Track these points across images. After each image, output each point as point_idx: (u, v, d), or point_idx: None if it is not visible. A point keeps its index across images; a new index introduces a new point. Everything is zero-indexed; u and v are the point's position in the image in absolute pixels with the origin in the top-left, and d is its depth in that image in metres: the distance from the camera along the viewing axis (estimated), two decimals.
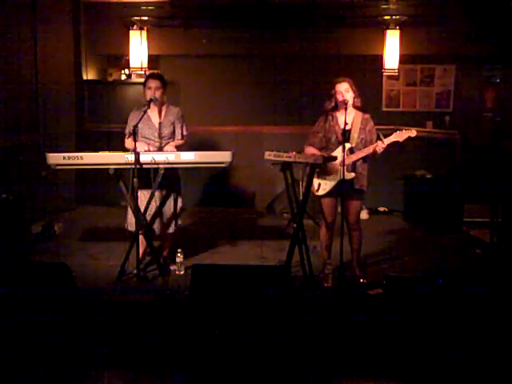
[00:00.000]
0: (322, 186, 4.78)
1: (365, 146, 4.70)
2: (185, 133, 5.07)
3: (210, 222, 7.02)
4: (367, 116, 4.80)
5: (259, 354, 3.59)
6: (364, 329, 3.82)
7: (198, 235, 6.29)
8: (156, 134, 4.92)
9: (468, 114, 7.69)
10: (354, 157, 4.68)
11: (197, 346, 3.65)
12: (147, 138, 4.90)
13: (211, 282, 3.80)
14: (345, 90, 4.66)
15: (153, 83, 4.87)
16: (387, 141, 4.63)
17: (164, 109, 5.00)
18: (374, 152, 4.64)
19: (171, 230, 5.09)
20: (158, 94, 4.85)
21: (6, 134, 5.91)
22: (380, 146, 4.61)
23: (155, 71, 5.23)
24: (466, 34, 7.14)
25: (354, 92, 4.69)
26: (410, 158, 7.29)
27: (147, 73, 7.42)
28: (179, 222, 5.14)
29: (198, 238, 6.18)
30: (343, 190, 4.58)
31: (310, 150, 4.77)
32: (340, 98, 4.67)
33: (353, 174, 4.67)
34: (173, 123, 5.00)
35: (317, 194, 4.82)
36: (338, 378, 3.58)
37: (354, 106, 4.72)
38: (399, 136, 4.65)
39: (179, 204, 5.08)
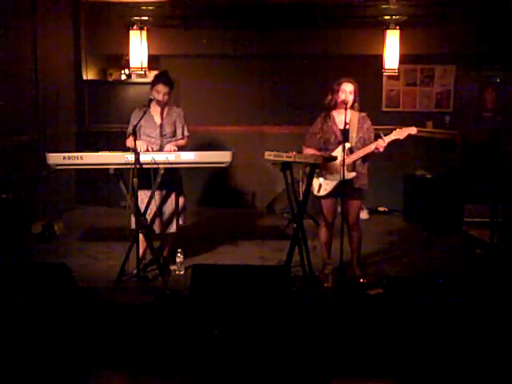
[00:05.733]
0: (324, 186, 4.78)
1: (363, 145, 4.70)
2: (186, 133, 5.08)
3: (210, 222, 7.03)
4: (364, 114, 4.80)
5: (259, 353, 3.59)
6: (364, 329, 3.82)
7: (198, 235, 6.29)
8: (157, 132, 4.94)
9: (468, 114, 7.68)
10: (355, 156, 4.67)
11: (197, 346, 3.65)
12: (149, 137, 4.92)
13: (211, 282, 3.80)
14: (349, 92, 4.67)
15: (162, 88, 4.88)
16: (388, 139, 4.63)
17: (166, 109, 5.01)
18: (376, 150, 4.64)
19: (171, 230, 5.09)
20: (165, 98, 4.89)
21: (6, 133, 5.90)
22: (381, 144, 4.61)
23: (163, 71, 5.19)
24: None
25: (355, 96, 4.70)
26: (410, 158, 7.29)
27: (147, 72, 7.43)
28: (181, 222, 5.13)
29: (198, 237, 6.17)
30: (344, 190, 4.58)
31: (310, 151, 4.77)
32: (342, 96, 4.67)
33: (353, 174, 4.67)
34: (174, 122, 5.01)
35: (318, 194, 4.82)
36: (337, 378, 3.59)
37: (351, 108, 4.71)
38: (399, 134, 4.65)
39: (180, 204, 5.08)
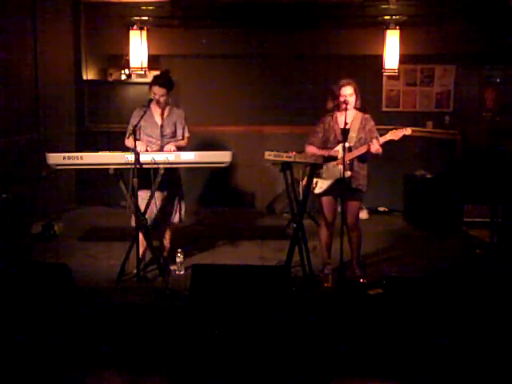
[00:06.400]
0: (319, 184, 4.80)
1: (363, 146, 4.72)
2: (186, 134, 5.08)
3: (210, 222, 7.02)
4: (367, 116, 4.83)
5: (259, 353, 3.59)
6: (364, 329, 3.82)
7: (198, 235, 6.29)
8: (158, 132, 4.94)
9: (468, 114, 7.69)
10: (350, 155, 4.69)
11: (197, 346, 3.65)
12: (150, 137, 4.92)
13: (211, 282, 3.81)
14: (349, 95, 4.70)
15: (158, 90, 4.87)
16: (382, 139, 4.65)
17: (167, 109, 5.01)
18: (370, 150, 4.64)
19: (171, 229, 5.09)
20: (161, 100, 4.88)
21: (6, 133, 5.91)
22: (375, 144, 4.62)
23: (162, 71, 5.20)
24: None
25: (356, 95, 4.72)
26: (410, 158, 7.29)
27: (147, 72, 7.43)
28: (181, 222, 5.14)
29: (198, 238, 6.17)
30: (340, 189, 4.58)
31: (311, 150, 4.79)
32: (342, 100, 4.70)
33: (349, 173, 4.68)
34: (175, 123, 5.01)
35: (314, 192, 4.84)
36: (338, 378, 3.59)
37: (354, 107, 4.75)
38: (394, 134, 4.67)
39: (180, 204, 5.08)
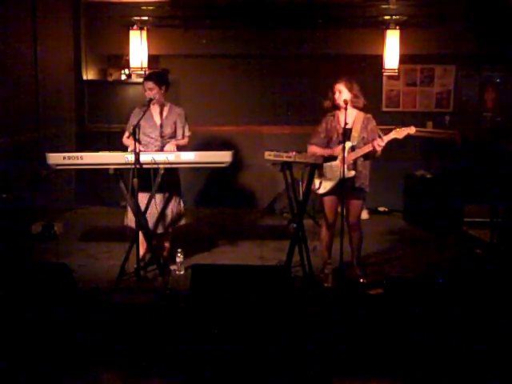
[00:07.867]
0: (323, 184, 4.79)
1: (366, 145, 4.71)
2: (187, 133, 5.08)
3: (209, 222, 7.02)
4: (369, 115, 4.83)
5: (259, 353, 3.59)
6: (364, 329, 3.82)
7: (198, 235, 6.29)
8: (157, 133, 4.93)
9: (468, 114, 7.69)
10: (353, 155, 4.68)
11: (197, 346, 3.65)
12: (148, 137, 4.92)
13: (211, 282, 3.80)
14: (338, 91, 4.69)
15: (146, 84, 4.88)
16: (386, 138, 4.64)
17: (166, 109, 5.01)
18: (374, 150, 4.64)
19: (171, 229, 5.09)
20: (152, 94, 4.86)
21: (6, 133, 5.91)
22: (379, 143, 4.61)
23: (155, 70, 5.22)
24: None
25: (351, 91, 4.70)
26: (410, 158, 7.29)
27: (147, 72, 7.43)
28: (181, 222, 5.14)
29: (198, 238, 6.17)
30: (344, 189, 4.58)
31: (313, 150, 4.79)
32: (337, 97, 4.70)
33: (353, 172, 4.68)
34: (175, 122, 5.01)
35: (317, 192, 4.83)
36: (338, 378, 3.59)
37: (353, 106, 4.73)
38: (398, 133, 4.66)
39: (179, 204, 5.09)
